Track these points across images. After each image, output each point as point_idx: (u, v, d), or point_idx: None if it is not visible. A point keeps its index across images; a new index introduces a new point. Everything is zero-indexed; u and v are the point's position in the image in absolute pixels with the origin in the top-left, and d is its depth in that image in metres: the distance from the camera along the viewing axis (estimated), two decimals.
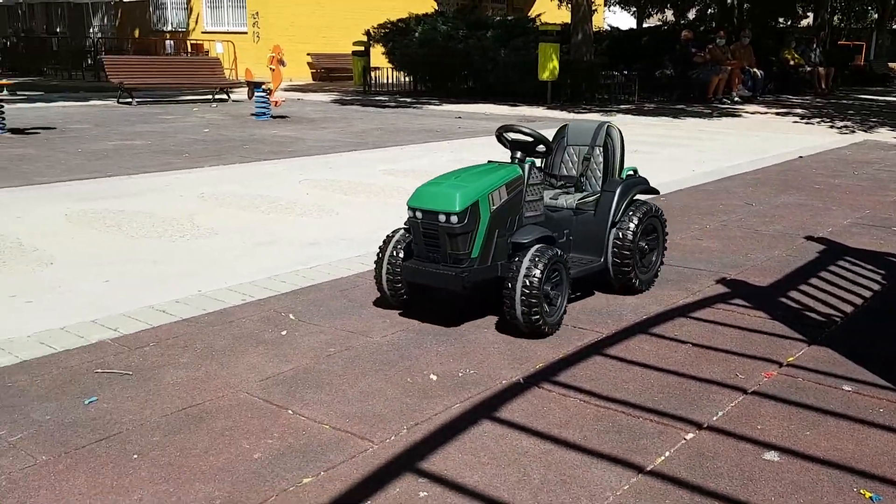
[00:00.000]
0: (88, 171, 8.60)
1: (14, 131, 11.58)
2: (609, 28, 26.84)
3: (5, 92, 12.08)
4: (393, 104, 18.99)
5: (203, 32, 29.21)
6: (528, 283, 3.77)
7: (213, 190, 7.73)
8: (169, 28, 30.48)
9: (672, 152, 11.13)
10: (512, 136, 4.34)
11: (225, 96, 18.77)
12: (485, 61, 20.19)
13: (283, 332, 4.06)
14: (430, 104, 19.11)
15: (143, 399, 3.28)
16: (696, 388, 3.43)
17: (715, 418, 3.15)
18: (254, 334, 4.03)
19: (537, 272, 3.78)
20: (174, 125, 13.34)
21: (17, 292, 4.62)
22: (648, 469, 2.77)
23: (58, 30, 32.97)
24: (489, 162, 4.23)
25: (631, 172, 4.73)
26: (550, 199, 4.56)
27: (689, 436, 3.01)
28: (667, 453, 2.87)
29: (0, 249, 5.46)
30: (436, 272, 3.93)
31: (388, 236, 4.30)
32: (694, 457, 2.85)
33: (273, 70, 15.05)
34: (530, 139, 4.26)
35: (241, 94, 19.43)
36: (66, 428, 3.02)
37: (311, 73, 28.06)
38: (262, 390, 3.38)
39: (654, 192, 4.98)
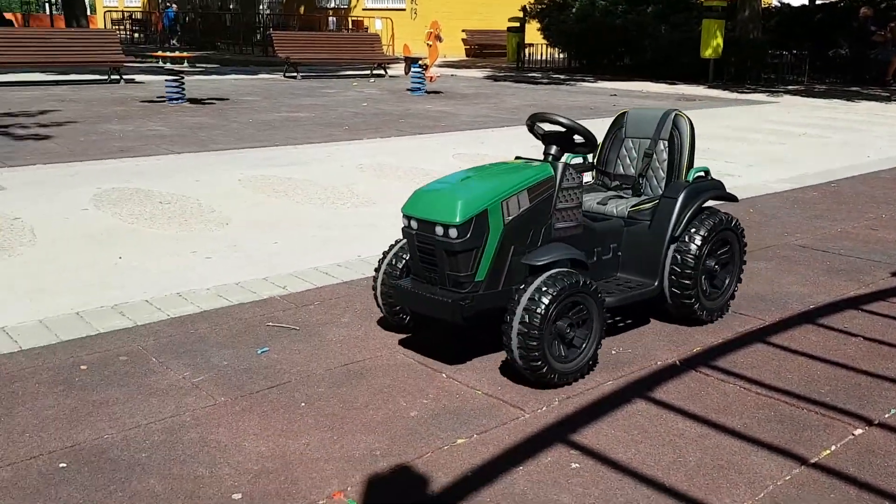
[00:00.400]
0: (258, 141, 9.13)
1: (192, 101, 12.44)
2: (779, 4, 25.28)
3: (186, 64, 12.97)
4: (546, 81, 18.84)
5: (364, 9, 30.11)
6: (526, 319, 2.99)
7: (371, 161, 8.00)
8: (332, 5, 31.62)
9: (845, 137, 10.41)
10: (545, 126, 3.52)
11: (382, 72, 19.30)
12: (643, 37, 19.62)
13: None
14: (584, 81, 18.81)
15: (309, 353, 3.49)
16: (866, 384, 3.24)
17: (887, 416, 2.97)
18: None
19: (544, 304, 3.00)
20: (335, 99, 13.87)
21: (197, 248, 5.00)
22: (812, 462, 2.66)
23: (231, 6, 34.95)
24: (517, 158, 3.56)
25: (702, 174, 3.83)
26: (598, 203, 3.82)
27: (858, 431, 2.85)
28: (833, 447, 2.74)
29: (182, 209, 5.92)
30: (430, 297, 3.19)
31: (392, 244, 3.69)
32: (863, 453, 2.71)
33: (430, 46, 15.31)
34: (564, 130, 3.44)
35: (397, 69, 19.92)
36: (242, 373, 3.26)
37: (465, 49, 28.30)
38: (418, 353, 3.50)
39: (731, 198, 3.98)
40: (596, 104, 13.78)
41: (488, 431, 2.85)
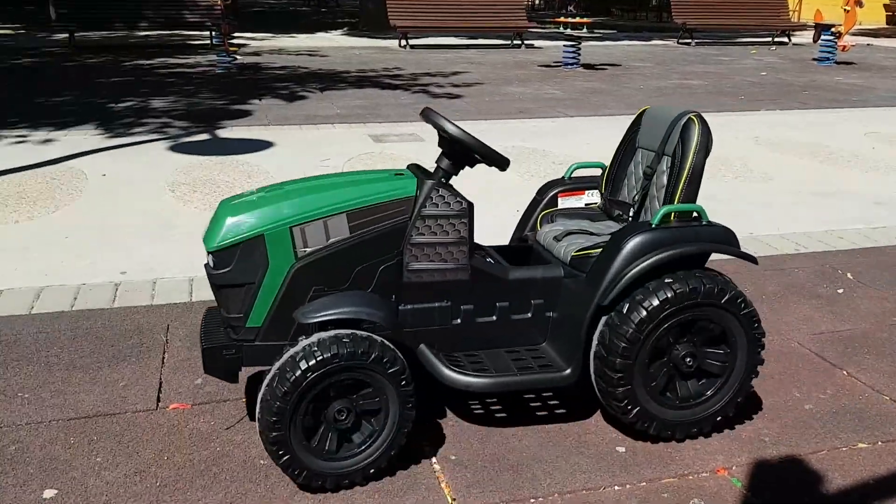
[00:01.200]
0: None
1: (586, 66, 12.77)
2: None
3: (584, 30, 13.31)
4: None
5: None
6: (270, 393, 2.22)
7: (768, 134, 7.54)
8: None
9: None
10: (440, 130, 2.50)
11: (785, 39, 17.89)
12: None
13: (840, 290, 3.85)
14: None
15: None
16: None
17: None
18: (806, 287, 3.90)
19: (294, 376, 2.20)
20: (730, 67, 13.22)
21: None
22: None
23: None
24: (409, 167, 2.64)
25: (696, 213, 2.58)
26: (554, 239, 2.75)
27: None
28: None
29: None
30: (203, 340, 2.50)
31: None
32: None
33: (847, 11, 13.78)
34: (445, 136, 2.46)
35: (802, 37, 18.33)
36: None
37: (887, 16, 24.94)
38: (815, 344, 3.27)
39: (746, 257, 2.59)
40: None
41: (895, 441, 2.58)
